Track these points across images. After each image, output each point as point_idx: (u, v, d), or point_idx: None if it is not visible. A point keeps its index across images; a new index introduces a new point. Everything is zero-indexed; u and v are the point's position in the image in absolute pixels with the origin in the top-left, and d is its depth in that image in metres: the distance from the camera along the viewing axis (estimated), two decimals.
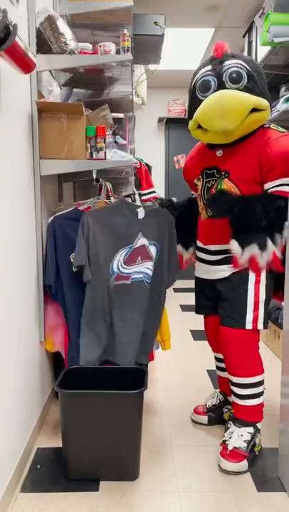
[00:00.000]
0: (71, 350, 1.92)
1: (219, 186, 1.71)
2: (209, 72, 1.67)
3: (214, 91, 1.64)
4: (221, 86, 1.64)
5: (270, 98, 1.71)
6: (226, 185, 1.69)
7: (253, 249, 1.60)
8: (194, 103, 1.72)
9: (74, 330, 1.91)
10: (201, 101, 1.67)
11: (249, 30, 3.46)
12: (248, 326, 1.68)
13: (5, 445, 1.45)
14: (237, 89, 1.63)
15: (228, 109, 1.58)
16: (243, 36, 3.59)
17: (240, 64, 1.64)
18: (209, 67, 1.68)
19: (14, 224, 1.56)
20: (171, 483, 1.58)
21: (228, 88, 1.63)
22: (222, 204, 1.62)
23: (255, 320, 1.68)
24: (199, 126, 1.70)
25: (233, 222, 1.63)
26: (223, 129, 1.61)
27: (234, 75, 1.62)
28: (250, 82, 1.63)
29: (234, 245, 1.63)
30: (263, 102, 1.63)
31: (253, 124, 1.65)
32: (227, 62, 1.64)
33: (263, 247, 1.60)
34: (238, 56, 1.67)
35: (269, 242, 1.60)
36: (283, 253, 1.60)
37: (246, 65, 1.64)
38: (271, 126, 1.70)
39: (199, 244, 1.85)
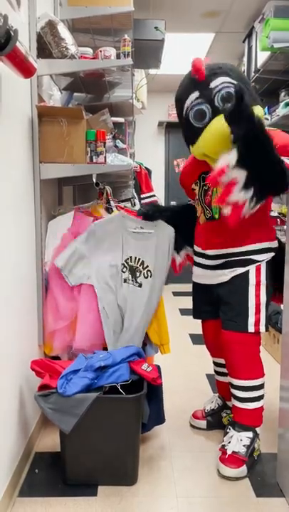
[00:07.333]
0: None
1: (215, 190, 1.70)
2: (199, 100, 1.63)
3: (210, 118, 1.62)
4: (216, 111, 1.61)
5: (264, 102, 1.71)
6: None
7: (241, 176, 1.44)
8: (191, 131, 1.69)
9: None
10: (199, 129, 1.64)
11: (249, 35, 3.48)
12: (251, 328, 1.68)
13: (3, 449, 1.45)
14: None
15: None
16: (243, 41, 3.61)
17: (226, 81, 1.60)
18: (197, 94, 1.64)
19: (14, 227, 1.56)
20: (170, 489, 1.58)
21: (222, 110, 1.60)
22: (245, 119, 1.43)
23: (257, 323, 1.68)
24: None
25: (247, 139, 1.44)
26: None
27: (225, 95, 1.60)
28: None
29: (231, 155, 1.43)
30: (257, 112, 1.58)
31: None
32: (213, 85, 1.61)
33: (247, 186, 1.46)
34: (219, 72, 1.62)
35: (252, 191, 1.46)
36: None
37: (231, 80, 1.61)
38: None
39: (197, 249, 1.84)
